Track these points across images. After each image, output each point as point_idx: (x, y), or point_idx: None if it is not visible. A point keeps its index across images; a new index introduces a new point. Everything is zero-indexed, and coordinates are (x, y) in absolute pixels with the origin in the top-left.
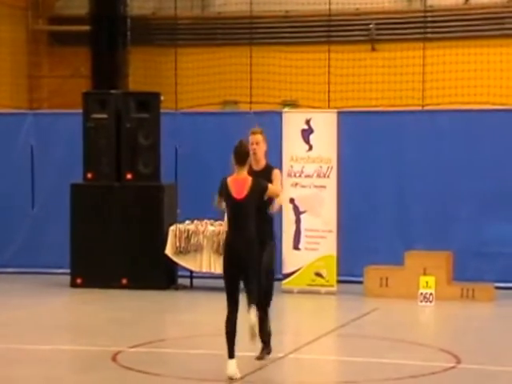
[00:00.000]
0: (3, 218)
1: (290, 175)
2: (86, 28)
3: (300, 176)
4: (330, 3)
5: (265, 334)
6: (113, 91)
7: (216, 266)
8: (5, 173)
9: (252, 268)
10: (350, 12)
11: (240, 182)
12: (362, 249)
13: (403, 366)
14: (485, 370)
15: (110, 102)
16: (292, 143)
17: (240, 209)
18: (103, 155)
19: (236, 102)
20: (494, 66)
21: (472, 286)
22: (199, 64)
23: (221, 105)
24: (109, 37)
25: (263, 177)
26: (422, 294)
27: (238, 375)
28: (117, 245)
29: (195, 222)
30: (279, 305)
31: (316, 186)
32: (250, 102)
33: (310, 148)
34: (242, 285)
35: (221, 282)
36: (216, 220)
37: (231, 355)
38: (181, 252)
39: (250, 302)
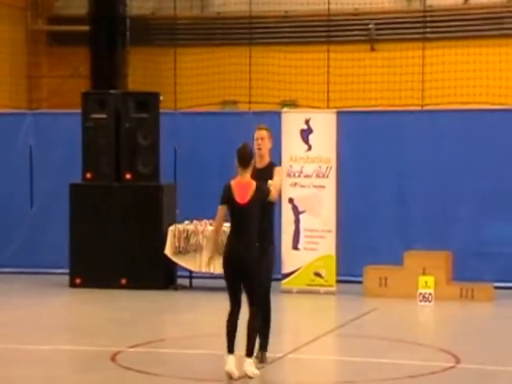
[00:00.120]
0: (2, 218)
1: (289, 175)
2: (86, 28)
3: (299, 176)
4: (329, 3)
5: (264, 337)
6: (112, 91)
7: (215, 266)
8: (4, 173)
9: (252, 272)
10: (349, 12)
11: (244, 186)
12: (362, 249)
13: (402, 366)
14: (484, 369)
15: (110, 102)
16: (291, 143)
17: (243, 213)
18: (102, 155)
19: (235, 102)
20: (493, 66)
21: (471, 286)
22: (198, 64)
23: (220, 105)
24: (108, 37)
25: (265, 175)
26: (421, 293)
27: (236, 375)
28: (116, 245)
29: (194, 222)
30: (278, 305)
31: (315, 186)
32: (250, 102)
33: (310, 148)
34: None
35: (220, 282)
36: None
37: (231, 350)
38: (180, 252)
39: (250, 305)
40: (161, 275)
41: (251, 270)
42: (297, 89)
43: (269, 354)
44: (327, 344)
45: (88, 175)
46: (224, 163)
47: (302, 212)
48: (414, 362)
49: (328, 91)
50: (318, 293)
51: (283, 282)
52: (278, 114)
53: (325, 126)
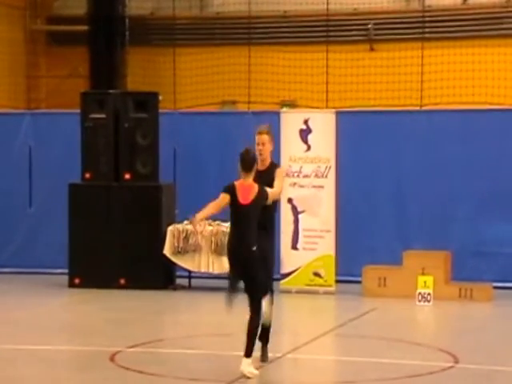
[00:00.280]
0: (1, 217)
1: (288, 175)
2: (84, 28)
3: (298, 176)
4: (328, 3)
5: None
6: (111, 91)
7: (214, 266)
8: (3, 173)
9: (253, 272)
10: (348, 12)
11: (247, 188)
12: (361, 248)
13: (401, 366)
14: (483, 369)
15: (109, 102)
16: (290, 143)
17: (244, 214)
18: (101, 155)
19: (234, 102)
20: (491, 66)
21: (470, 286)
22: (197, 64)
23: (219, 105)
24: (107, 37)
25: (267, 176)
26: (420, 293)
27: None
28: (115, 245)
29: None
30: (277, 305)
31: (314, 186)
32: (249, 102)
33: (309, 148)
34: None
35: (219, 282)
36: (214, 220)
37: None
38: (179, 252)
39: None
40: (160, 275)
41: (252, 270)
42: (296, 89)
43: (268, 354)
44: (326, 344)
45: (87, 175)
46: (223, 163)
47: (301, 212)
48: (413, 361)
49: (327, 91)
50: (317, 293)
51: (282, 281)
52: (277, 114)
53: (324, 126)
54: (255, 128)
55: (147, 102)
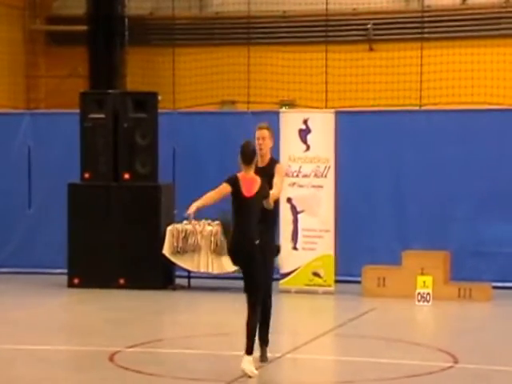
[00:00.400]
0: (0, 217)
1: (287, 175)
2: (84, 28)
3: (297, 176)
4: (327, 3)
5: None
6: (110, 91)
7: (214, 266)
8: (2, 173)
9: (253, 269)
10: (347, 12)
11: (249, 181)
12: (360, 248)
13: (401, 366)
14: (482, 369)
15: (108, 102)
16: (289, 143)
17: (247, 206)
18: (101, 155)
19: (234, 102)
20: (491, 66)
21: (469, 286)
22: (197, 64)
23: (218, 105)
24: (106, 37)
25: (267, 172)
26: (419, 293)
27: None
28: (114, 245)
29: (193, 221)
30: (277, 305)
31: (313, 186)
32: (248, 102)
33: (308, 148)
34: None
35: (218, 282)
36: (213, 220)
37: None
38: (178, 252)
39: (250, 302)
40: (159, 275)
41: (253, 264)
42: (295, 89)
43: (267, 354)
44: (325, 344)
45: (86, 175)
46: (223, 163)
47: (301, 212)
48: (413, 361)
49: (326, 91)
50: (316, 293)
51: (281, 281)
52: (277, 113)
53: (323, 125)
54: (255, 128)
55: (146, 101)
